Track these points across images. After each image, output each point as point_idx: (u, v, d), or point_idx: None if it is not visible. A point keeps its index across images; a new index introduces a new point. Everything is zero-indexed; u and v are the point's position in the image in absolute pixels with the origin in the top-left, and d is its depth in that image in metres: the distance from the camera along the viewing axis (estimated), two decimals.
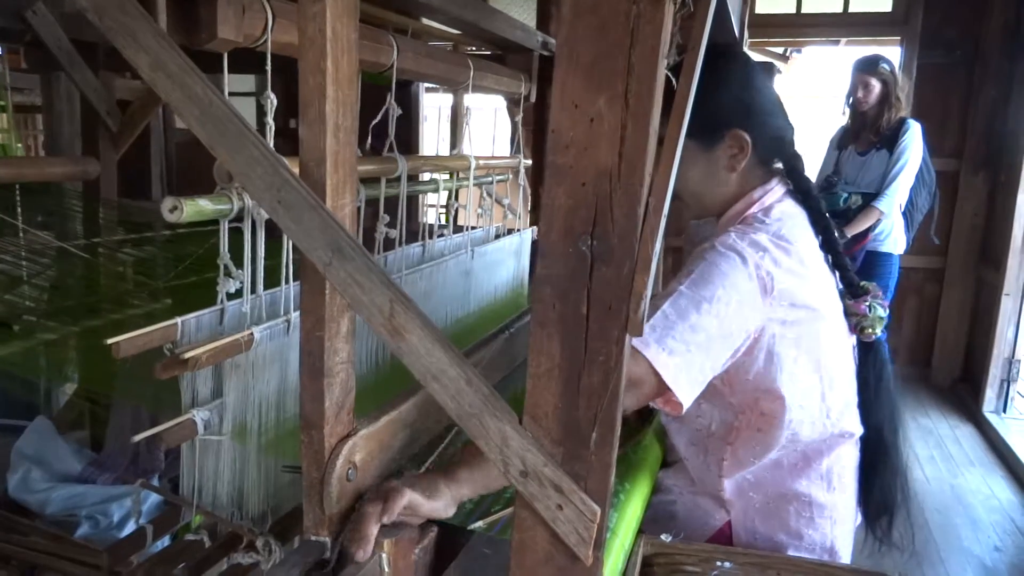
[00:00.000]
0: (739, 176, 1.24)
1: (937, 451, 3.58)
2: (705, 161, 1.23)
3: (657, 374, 1.04)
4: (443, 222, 1.69)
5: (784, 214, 1.22)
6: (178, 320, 1.00)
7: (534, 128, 2.32)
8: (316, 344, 0.81)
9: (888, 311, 1.29)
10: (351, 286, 0.72)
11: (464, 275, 1.69)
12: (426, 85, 5.51)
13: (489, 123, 1.90)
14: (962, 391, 4.32)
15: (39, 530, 2.18)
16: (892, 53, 4.41)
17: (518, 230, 2.03)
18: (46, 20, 2.26)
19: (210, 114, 0.72)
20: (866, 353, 1.32)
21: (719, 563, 1.18)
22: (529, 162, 2.06)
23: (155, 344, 0.98)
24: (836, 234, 1.28)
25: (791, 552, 1.25)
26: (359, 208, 1.24)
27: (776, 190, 1.25)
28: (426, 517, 0.91)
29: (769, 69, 1.17)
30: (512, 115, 2.57)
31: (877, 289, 1.29)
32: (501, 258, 1.90)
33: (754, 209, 1.23)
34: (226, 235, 1.05)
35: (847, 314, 1.28)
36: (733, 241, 1.14)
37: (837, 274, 1.28)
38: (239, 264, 1.06)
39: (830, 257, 1.27)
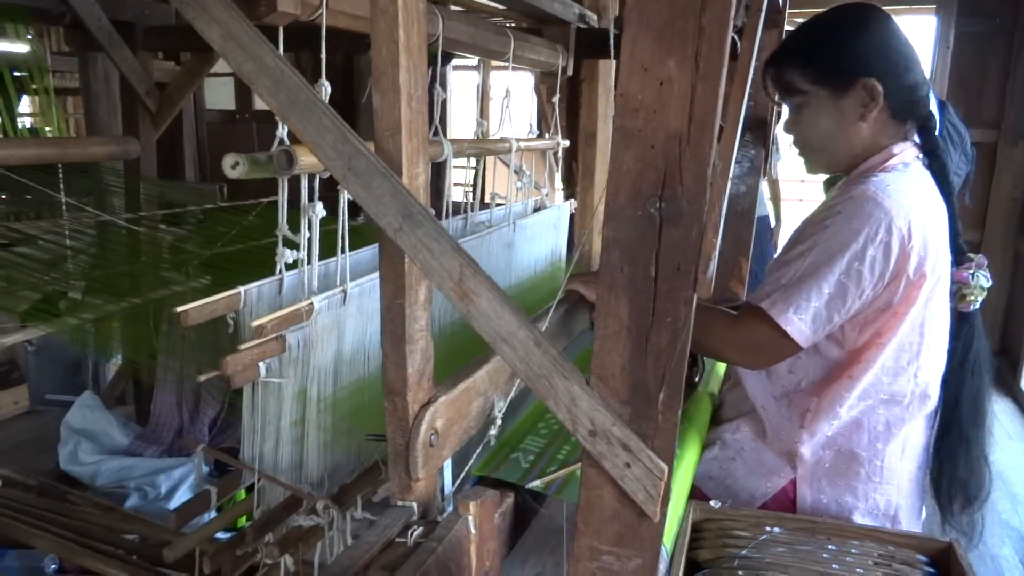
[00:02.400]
0: (870, 128, 1.23)
1: (990, 433, 3.55)
2: (836, 110, 1.23)
3: (787, 335, 1.16)
4: (469, 200, 1.71)
5: (919, 170, 1.24)
6: (241, 289, 1.02)
7: (567, 102, 2.31)
8: (397, 312, 0.83)
9: (991, 282, 1.29)
10: (421, 251, 0.74)
11: (506, 248, 1.71)
12: (453, 63, 5.50)
13: (516, 101, 1.88)
14: (1000, 365, 4.27)
15: (90, 501, 2.24)
16: (928, 22, 4.32)
17: (547, 207, 2.05)
18: (86, 1, 2.29)
19: (282, 84, 0.74)
20: (959, 324, 1.31)
21: (768, 528, 1.19)
22: (567, 142, 2.06)
23: (219, 313, 1.01)
24: (955, 197, 1.29)
25: (856, 515, 1.26)
26: None
27: (911, 150, 1.26)
28: None
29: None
30: (547, 95, 2.56)
31: (983, 260, 1.29)
32: (541, 231, 1.91)
33: (894, 161, 1.23)
34: (285, 206, 1.07)
35: (951, 280, 1.28)
36: (874, 190, 1.15)
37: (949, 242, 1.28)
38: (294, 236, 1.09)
39: (949, 221, 1.27)
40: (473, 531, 0.86)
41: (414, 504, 0.86)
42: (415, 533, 0.82)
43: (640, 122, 0.66)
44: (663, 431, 0.72)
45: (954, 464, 1.32)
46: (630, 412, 0.72)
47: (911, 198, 1.16)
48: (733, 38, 0.69)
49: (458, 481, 0.99)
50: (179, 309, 0.94)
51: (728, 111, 0.71)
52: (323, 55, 1.02)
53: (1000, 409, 3.80)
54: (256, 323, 0.95)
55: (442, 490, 0.94)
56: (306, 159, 0.95)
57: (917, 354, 1.22)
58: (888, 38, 1.21)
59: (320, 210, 1.08)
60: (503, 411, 0.97)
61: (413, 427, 0.83)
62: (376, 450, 1.18)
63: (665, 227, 0.67)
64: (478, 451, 1.01)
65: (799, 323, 1.15)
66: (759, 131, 2.00)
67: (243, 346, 0.97)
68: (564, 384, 0.72)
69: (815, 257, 1.16)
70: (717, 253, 0.68)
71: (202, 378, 0.96)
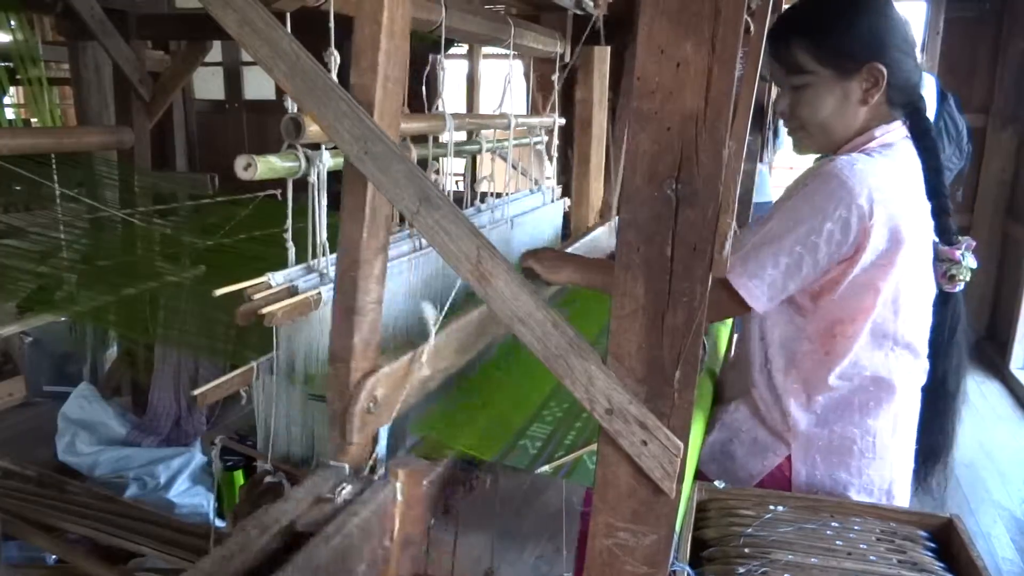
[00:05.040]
0: (868, 112, 1.25)
1: (964, 407, 3.60)
2: (840, 92, 1.24)
3: (740, 298, 1.18)
4: (460, 188, 1.71)
5: (900, 152, 1.25)
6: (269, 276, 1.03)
7: (562, 89, 2.32)
8: (350, 283, 0.87)
9: (977, 265, 1.33)
10: (438, 233, 0.75)
11: (504, 239, 1.71)
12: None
13: (503, 87, 1.88)
14: (988, 348, 4.33)
15: (91, 491, 2.25)
16: (918, 8, 4.34)
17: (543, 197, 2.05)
18: None
19: (298, 69, 0.75)
20: (944, 303, 1.34)
21: (772, 506, 1.21)
22: (563, 120, 2.06)
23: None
24: (945, 181, 1.31)
25: (851, 492, 1.28)
26: None
27: (898, 131, 1.27)
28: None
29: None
30: (539, 82, 2.56)
31: (971, 242, 1.32)
32: (538, 222, 1.92)
33: (873, 144, 1.25)
34: (291, 208, 1.08)
35: (937, 259, 1.30)
36: (840, 168, 1.17)
37: (936, 220, 1.30)
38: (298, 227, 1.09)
39: (934, 202, 1.29)
40: (400, 497, 0.90)
41: (346, 465, 0.90)
42: (343, 491, 0.84)
43: (656, 104, 0.67)
44: (679, 409, 0.73)
45: (932, 433, 1.38)
46: (646, 391, 0.73)
47: (878, 178, 1.18)
48: (746, 19, 0.70)
49: (405, 450, 1.02)
50: (218, 292, 0.95)
51: (741, 92, 0.72)
52: (331, 38, 1.02)
53: (989, 391, 3.85)
54: (265, 310, 0.95)
55: (376, 454, 0.96)
56: (315, 127, 0.95)
57: (894, 332, 1.25)
58: (894, 21, 1.23)
59: (325, 247, 1.09)
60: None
61: (353, 394, 0.87)
62: None
63: (681, 208, 0.68)
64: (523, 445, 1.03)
65: (754, 289, 1.19)
66: (755, 116, 2.02)
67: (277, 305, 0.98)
68: (581, 363, 0.73)
69: (776, 228, 1.19)
70: (732, 233, 0.69)
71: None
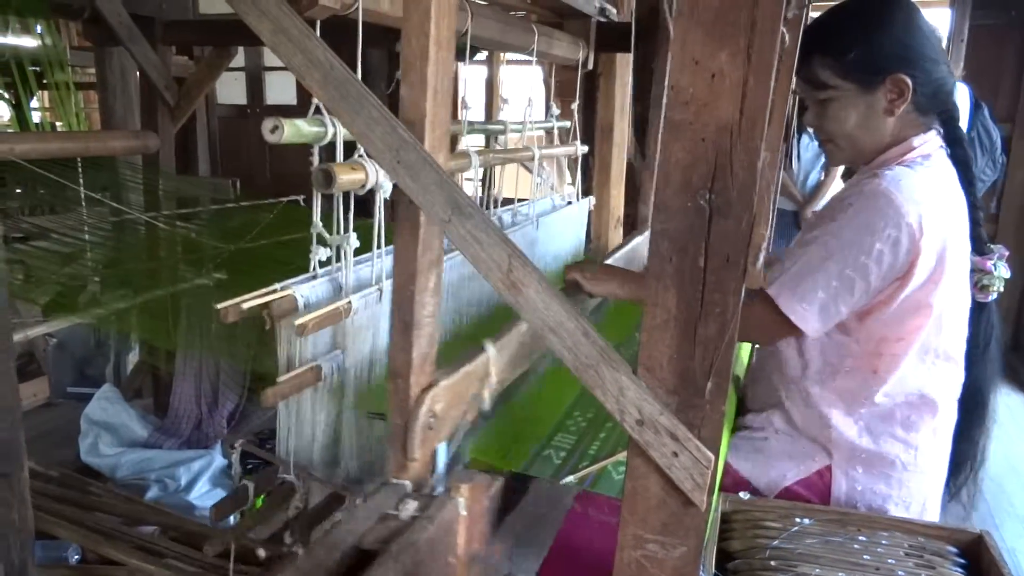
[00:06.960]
0: (896, 122, 1.24)
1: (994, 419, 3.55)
2: (864, 104, 1.24)
3: (790, 322, 1.17)
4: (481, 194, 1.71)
5: (938, 162, 1.24)
6: (283, 288, 1.03)
7: (584, 97, 2.32)
8: (407, 298, 0.86)
9: (1010, 274, 1.32)
10: (470, 243, 0.75)
11: (530, 245, 1.71)
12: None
13: (527, 91, 1.88)
14: (1013, 361, 4.26)
15: (112, 492, 2.26)
16: (943, 15, 4.31)
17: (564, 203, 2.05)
18: None
19: (331, 77, 0.75)
20: (979, 313, 1.33)
21: (798, 519, 1.20)
22: (585, 148, 2.08)
23: (258, 310, 1.01)
24: (978, 191, 1.31)
25: (889, 505, 1.27)
26: None
27: (934, 140, 1.26)
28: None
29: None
30: (559, 89, 2.56)
31: (1004, 251, 1.30)
32: (563, 228, 1.92)
33: (912, 155, 1.24)
34: (318, 204, 1.08)
35: (970, 270, 1.29)
36: (886, 185, 1.16)
37: (969, 230, 1.29)
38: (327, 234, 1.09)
39: (968, 212, 1.28)
40: (464, 512, 0.89)
41: (407, 482, 0.89)
42: (407, 508, 0.84)
43: (691, 115, 0.67)
44: (710, 420, 0.72)
45: (964, 443, 1.37)
46: (677, 402, 0.73)
47: (924, 193, 1.17)
48: (781, 30, 0.69)
49: (461, 464, 1.02)
50: (220, 306, 0.95)
51: (775, 102, 0.71)
52: (359, 48, 1.02)
53: (1013, 403, 3.80)
54: (299, 322, 0.95)
55: (435, 470, 0.95)
56: (345, 177, 0.96)
57: (936, 346, 1.24)
58: (916, 31, 1.22)
59: (354, 241, 1.09)
60: (488, 401, 1.00)
61: (413, 409, 0.86)
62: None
63: (715, 218, 0.68)
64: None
65: (804, 312, 1.17)
66: None
67: (281, 378, 1.00)
68: (612, 374, 0.73)
69: (823, 249, 1.18)
70: (766, 244, 0.68)
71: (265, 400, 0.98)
